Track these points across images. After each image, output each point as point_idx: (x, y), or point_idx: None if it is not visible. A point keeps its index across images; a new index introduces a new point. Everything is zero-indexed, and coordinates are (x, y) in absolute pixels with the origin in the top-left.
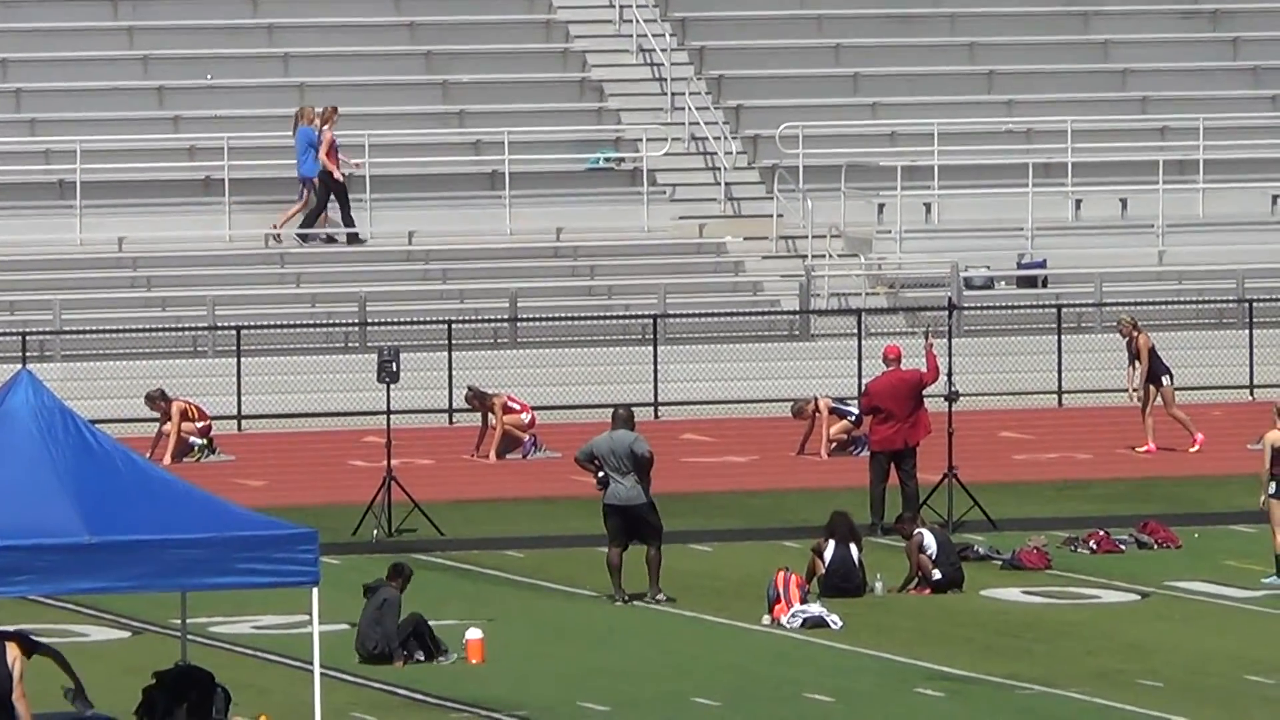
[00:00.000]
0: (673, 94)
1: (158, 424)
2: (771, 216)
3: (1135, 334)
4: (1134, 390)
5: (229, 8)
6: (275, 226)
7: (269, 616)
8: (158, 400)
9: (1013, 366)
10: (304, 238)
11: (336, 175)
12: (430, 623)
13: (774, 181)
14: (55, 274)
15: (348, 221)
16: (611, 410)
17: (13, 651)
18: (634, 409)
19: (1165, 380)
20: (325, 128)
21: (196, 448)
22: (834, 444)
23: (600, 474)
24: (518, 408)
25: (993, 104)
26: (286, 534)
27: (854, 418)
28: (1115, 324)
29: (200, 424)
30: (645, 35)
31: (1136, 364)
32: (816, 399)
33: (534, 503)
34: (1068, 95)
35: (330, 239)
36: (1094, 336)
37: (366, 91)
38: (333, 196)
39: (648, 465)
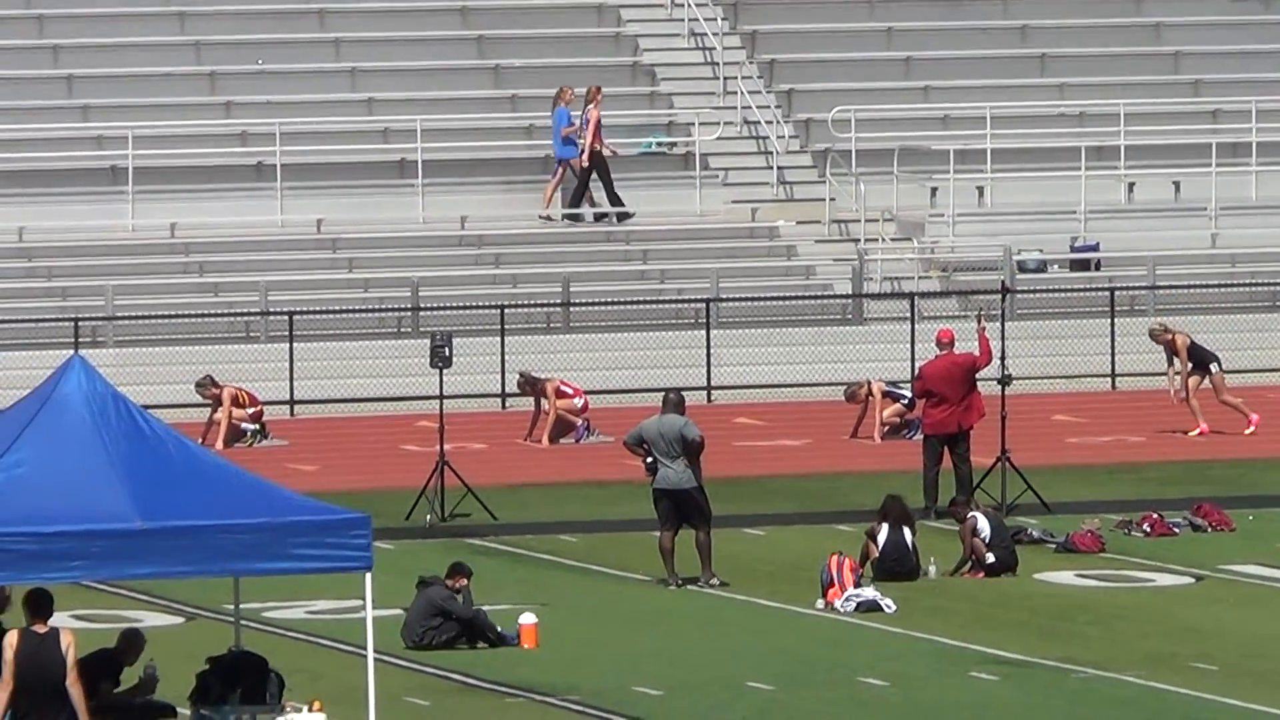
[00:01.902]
0: (725, 78)
1: (209, 410)
2: (824, 200)
3: (1170, 336)
4: (1175, 374)
5: None
6: (544, 207)
7: (322, 601)
8: (208, 387)
9: (1065, 350)
10: (573, 217)
11: (606, 153)
12: (484, 608)
13: (826, 165)
14: (107, 259)
15: (614, 200)
16: (662, 394)
17: (66, 638)
18: (687, 393)
19: (1214, 368)
20: (591, 106)
21: (249, 433)
22: (887, 427)
23: (649, 459)
24: (570, 392)
25: (1045, 87)
26: (339, 519)
27: (907, 401)
28: (1149, 335)
29: (251, 409)
30: (697, 19)
31: (1176, 361)
32: (869, 382)
33: (587, 487)
34: (1120, 78)
35: (601, 217)
36: (1147, 320)
37: (418, 76)
38: (596, 175)
39: (698, 450)
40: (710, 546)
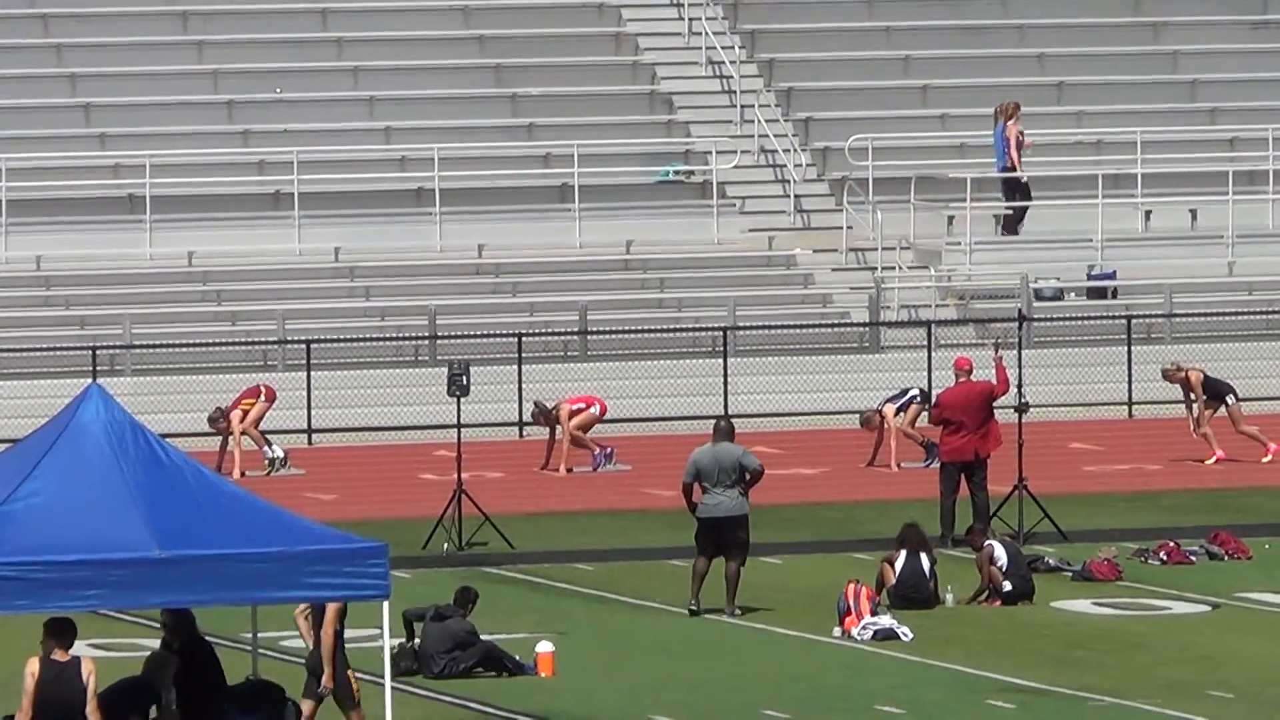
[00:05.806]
0: (742, 106)
1: (220, 443)
2: (841, 229)
3: (1183, 374)
4: (1196, 411)
5: (298, 21)
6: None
7: None
8: (219, 420)
9: (1083, 378)
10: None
11: (1019, 172)
12: (499, 636)
13: (843, 193)
14: (125, 288)
15: (1016, 221)
16: (713, 423)
17: (88, 667)
18: (703, 422)
19: (1230, 399)
20: (1010, 123)
21: (268, 459)
22: (920, 441)
23: (696, 510)
24: (583, 405)
25: (1062, 115)
26: (357, 548)
27: (917, 399)
28: (1162, 375)
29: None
30: (714, 48)
31: (1192, 396)
32: (881, 409)
33: (604, 515)
34: (1137, 106)
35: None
36: (1164, 348)
37: (436, 105)
38: (1015, 193)
39: (758, 477)
40: (739, 580)
